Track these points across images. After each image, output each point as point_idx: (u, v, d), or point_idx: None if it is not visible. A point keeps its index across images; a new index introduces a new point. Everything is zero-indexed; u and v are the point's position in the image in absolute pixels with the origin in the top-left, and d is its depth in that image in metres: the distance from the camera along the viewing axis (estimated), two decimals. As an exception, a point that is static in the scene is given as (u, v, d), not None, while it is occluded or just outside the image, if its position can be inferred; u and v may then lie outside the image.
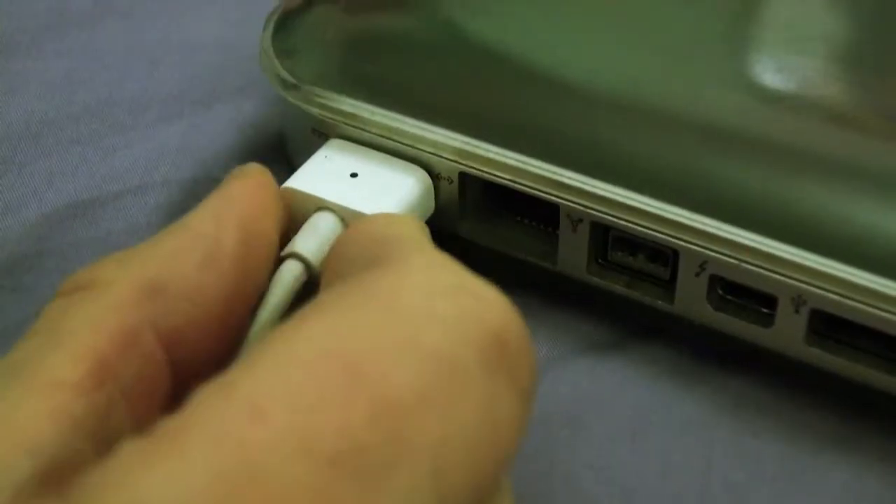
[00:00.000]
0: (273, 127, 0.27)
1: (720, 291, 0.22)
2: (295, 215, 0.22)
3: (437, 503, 0.15)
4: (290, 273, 0.20)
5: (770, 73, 0.23)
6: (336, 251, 0.19)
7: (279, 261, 0.20)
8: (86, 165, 0.26)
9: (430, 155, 0.22)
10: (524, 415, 0.16)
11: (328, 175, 0.22)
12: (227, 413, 0.14)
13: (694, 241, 0.21)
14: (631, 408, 0.22)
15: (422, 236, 0.18)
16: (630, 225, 0.21)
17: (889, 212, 0.21)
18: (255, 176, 0.20)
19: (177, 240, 0.18)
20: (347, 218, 0.22)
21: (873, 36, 0.24)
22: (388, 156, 0.23)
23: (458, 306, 0.16)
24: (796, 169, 0.21)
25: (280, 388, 0.14)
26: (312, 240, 0.21)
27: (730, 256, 0.21)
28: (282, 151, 0.26)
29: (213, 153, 0.26)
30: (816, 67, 0.23)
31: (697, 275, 0.21)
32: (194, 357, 0.18)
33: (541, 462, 0.21)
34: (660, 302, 0.22)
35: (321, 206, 0.22)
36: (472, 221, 0.23)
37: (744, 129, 0.22)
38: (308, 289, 0.20)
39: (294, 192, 0.22)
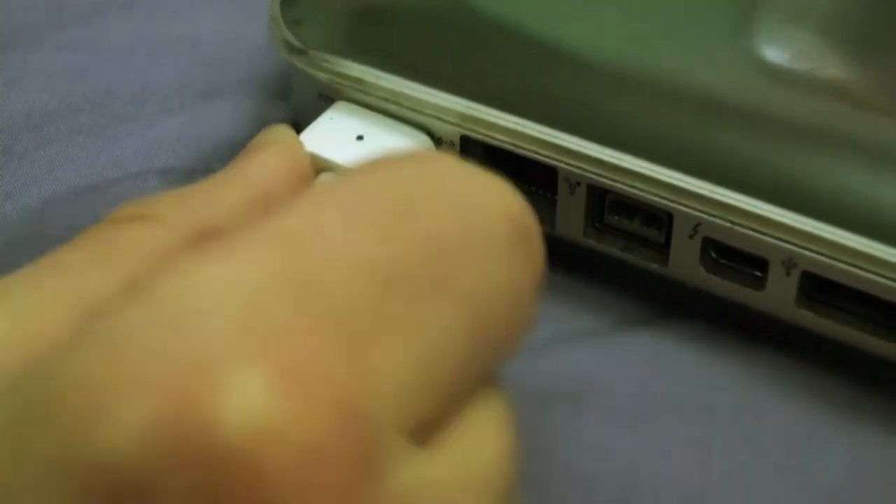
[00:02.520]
0: (273, 120, 0.26)
1: (713, 254, 0.22)
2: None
3: (471, 345, 0.15)
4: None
5: (767, 42, 0.23)
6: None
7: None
8: (86, 155, 0.26)
9: (432, 119, 0.23)
10: (534, 302, 0.17)
11: (333, 137, 0.23)
12: (286, 225, 0.15)
13: (687, 203, 0.21)
14: (631, 389, 0.22)
15: None
16: (625, 188, 0.22)
17: (879, 176, 0.21)
18: (292, 140, 0.21)
19: (235, 189, 0.19)
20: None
21: (868, 6, 0.24)
22: (392, 119, 0.23)
23: (489, 185, 0.17)
24: (789, 134, 0.22)
25: (338, 211, 0.15)
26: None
27: (722, 219, 0.21)
28: (288, 117, 0.26)
29: (212, 144, 0.26)
30: (812, 38, 0.24)
31: (691, 237, 0.22)
32: None
33: (541, 442, 0.21)
34: (654, 265, 0.23)
35: (326, 167, 0.22)
36: (472, 185, 0.24)
37: (739, 96, 0.22)
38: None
39: (299, 153, 0.23)
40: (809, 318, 0.22)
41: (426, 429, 0.15)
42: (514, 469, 0.16)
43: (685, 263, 0.22)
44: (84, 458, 0.13)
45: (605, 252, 0.23)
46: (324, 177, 0.22)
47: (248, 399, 0.13)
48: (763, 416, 0.22)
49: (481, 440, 0.16)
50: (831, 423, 0.21)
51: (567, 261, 0.24)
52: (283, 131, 0.22)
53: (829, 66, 0.23)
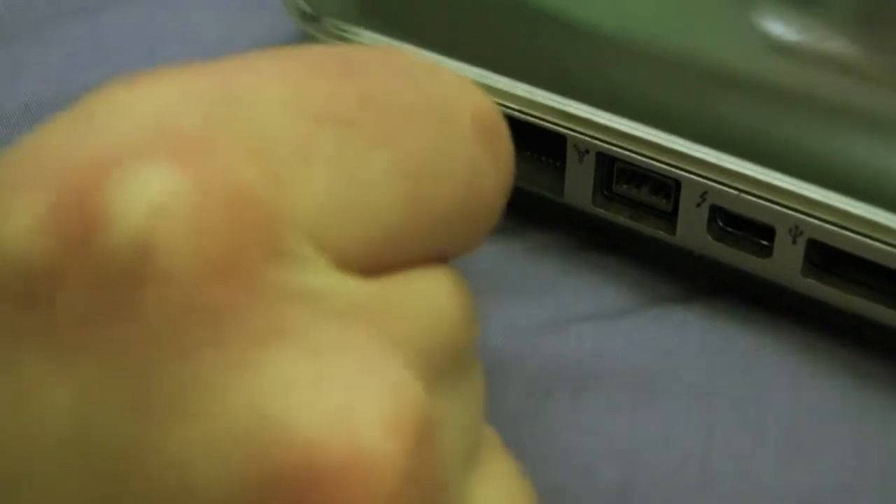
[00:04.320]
0: None
1: (720, 223, 0.22)
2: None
3: (411, 208, 0.15)
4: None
5: (772, 13, 0.23)
6: None
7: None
8: None
9: (443, 87, 0.23)
10: (501, 196, 0.17)
11: (345, 103, 0.23)
12: (221, 65, 0.14)
13: (695, 170, 0.22)
14: (633, 374, 0.22)
15: None
16: (634, 155, 0.22)
17: (884, 145, 0.21)
18: None
19: None
20: None
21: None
22: (403, 87, 0.24)
23: (459, 82, 0.16)
24: (795, 104, 0.22)
25: (279, 58, 0.15)
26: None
27: (729, 186, 0.21)
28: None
29: None
30: (817, 9, 0.24)
31: (698, 205, 0.22)
32: None
33: (541, 426, 0.21)
34: (662, 232, 0.23)
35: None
36: (483, 153, 0.24)
37: (745, 66, 0.22)
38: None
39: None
40: (815, 287, 0.22)
41: (359, 266, 0.14)
42: (464, 336, 0.16)
43: (692, 231, 0.22)
44: None
45: (613, 220, 0.23)
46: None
47: (144, 185, 0.13)
48: (765, 401, 0.22)
49: (427, 291, 0.15)
50: (835, 410, 0.21)
51: (568, 244, 0.24)
52: None
53: (834, 38, 0.23)
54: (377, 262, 0.15)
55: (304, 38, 0.25)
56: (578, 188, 0.23)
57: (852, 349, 0.22)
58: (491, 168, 0.16)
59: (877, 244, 0.21)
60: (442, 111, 0.15)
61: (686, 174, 0.22)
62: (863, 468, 0.21)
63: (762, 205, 0.21)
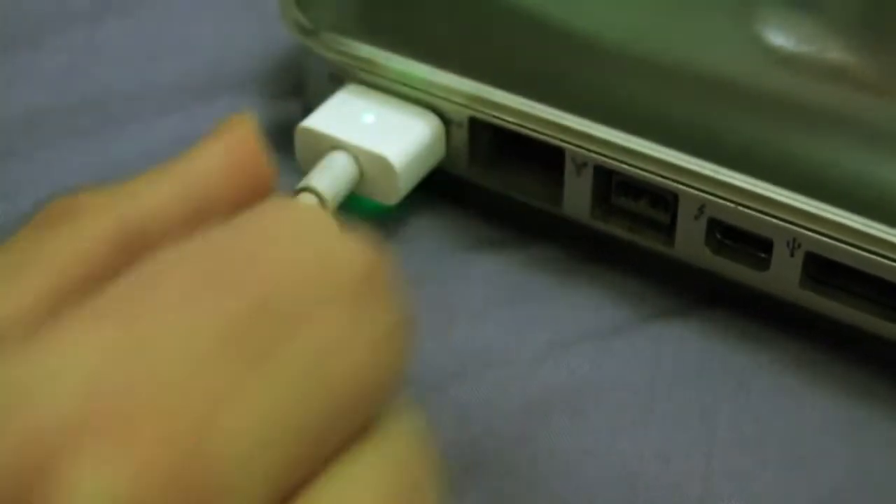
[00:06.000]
0: (271, 120, 0.27)
1: (718, 235, 0.22)
2: (310, 154, 0.23)
3: (320, 402, 0.15)
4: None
5: (771, 24, 0.24)
6: None
7: (294, 194, 0.21)
8: (83, 155, 0.26)
9: (441, 100, 0.23)
10: (394, 346, 0.16)
11: (343, 117, 0.23)
12: (123, 293, 0.15)
13: (693, 184, 0.22)
14: (631, 393, 0.22)
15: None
16: (632, 168, 0.22)
17: (884, 158, 0.21)
18: (246, 129, 0.20)
19: (170, 187, 0.18)
20: (360, 158, 0.23)
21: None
22: (402, 101, 0.24)
23: (331, 237, 0.16)
24: (793, 116, 0.22)
25: (178, 275, 0.15)
26: (326, 176, 0.22)
27: (727, 200, 0.21)
28: (298, 99, 0.26)
29: None
30: (816, 20, 0.24)
31: (696, 218, 0.22)
32: None
33: (540, 447, 0.21)
34: (660, 245, 0.23)
35: (335, 145, 0.23)
36: (481, 166, 0.24)
37: (744, 78, 0.22)
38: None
39: (310, 132, 0.23)
40: (813, 300, 0.22)
41: (288, 491, 0.15)
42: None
43: (690, 244, 0.22)
44: None
45: (611, 233, 0.23)
46: (333, 155, 0.23)
47: (81, 485, 0.13)
48: (764, 418, 0.21)
49: (350, 493, 0.15)
50: (834, 425, 0.21)
51: (566, 257, 0.24)
52: (242, 122, 0.20)
53: (833, 49, 0.23)
54: (301, 471, 0.15)
55: (302, 51, 0.25)
56: (577, 201, 0.23)
57: (851, 362, 0.22)
58: (376, 318, 0.16)
59: (875, 257, 0.21)
60: (320, 282, 0.15)
61: (684, 187, 0.22)
62: (862, 484, 0.21)
63: (760, 218, 0.21)
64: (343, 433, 0.16)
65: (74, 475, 0.13)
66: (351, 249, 0.16)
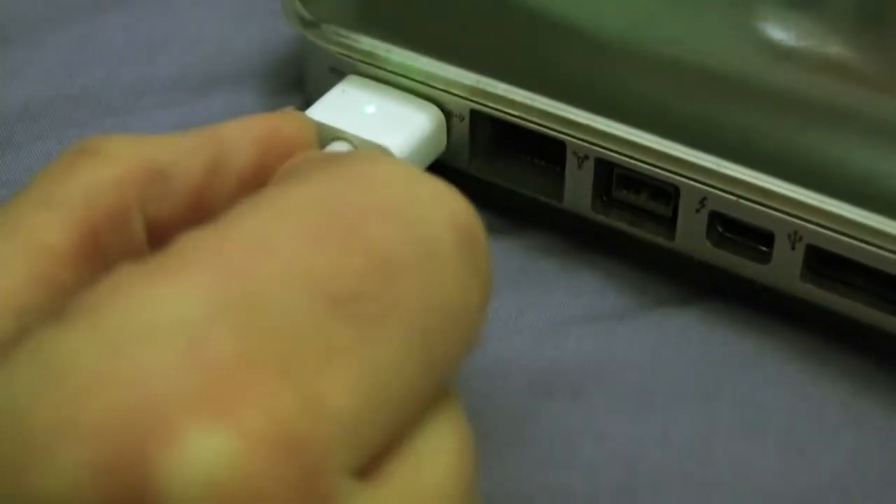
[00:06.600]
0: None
1: (719, 228, 0.22)
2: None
3: (423, 364, 0.15)
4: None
5: (771, 18, 0.24)
6: (294, 159, 0.18)
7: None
8: None
9: (442, 92, 0.23)
10: (484, 309, 0.16)
11: (345, 108, 0.23)
12: (229, 246, 0.14)
13: (694, 176, 0.22)
14: (633, 377, 0.22)
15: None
16: (633, 161, 0.22)
17: (882, 151, 0.21)
18: (295, 115, 0.20)
19: (196, 139, 0.18)
20: (362, 148, 0.23)
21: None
22: (403, 93, 0.24)
23: (432, 190, 0.16)
24: (794, 110, 0.22)
25: (280, 230, 0.14)
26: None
27: (728, 192, 0.21)
28: (299, 91, 0.26)
29: None
30: (815, 14, 0.24)
31: (697, 211, 0.22)
32: None
33: (542, 428, 0.21)
34: (661, 238, 0.23)
35: (337, 136, 0.23)
36: (482, 159, 0.24)
37: (744, 72, 0.22)
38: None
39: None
40: (814, 292, 0.22)
41: (376, 455, 0.15)
42: (470, 479, 0.16)
43: (692, 237, 0.22)
44: (18, 501, 0.13)
45: (612, 226, 0.23)
46: (335, 145, 0.23)
47: (190, 452, 0.13)
48: (765, 406, 0.22)
49: (432, 459, 0.15)
50: (834, 414, 0.21)
51: (568, 245, 0.24)
52: (291, 110, 0.22)
53: (833, 43, 0.23)
54: (390, 437, 0.15)
55: (303, 43, 0.25)
56: (578, 194, 0.23)
57: (851, 354, 0.22)
58: (475, 282, 0.16)
59: (875, 249, 0.21)
60: (430, 242, 0.15)
61: (685, 180, 0.22)
62: (863, 473, 0.21)
63: (761, 210, 0.21)
64: (433, 394, 0.16)
65: (183, 437, 0.13)
66: (453, 206, 0.16)
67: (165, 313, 0.13)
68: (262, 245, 0.14)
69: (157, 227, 0.17)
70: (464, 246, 0.16)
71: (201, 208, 0.18)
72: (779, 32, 0.23)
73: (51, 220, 0.16)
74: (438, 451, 0.15)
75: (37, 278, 0.15)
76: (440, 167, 0.24)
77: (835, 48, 0.23)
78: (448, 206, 0.16)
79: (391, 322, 0.15)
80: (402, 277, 0.15)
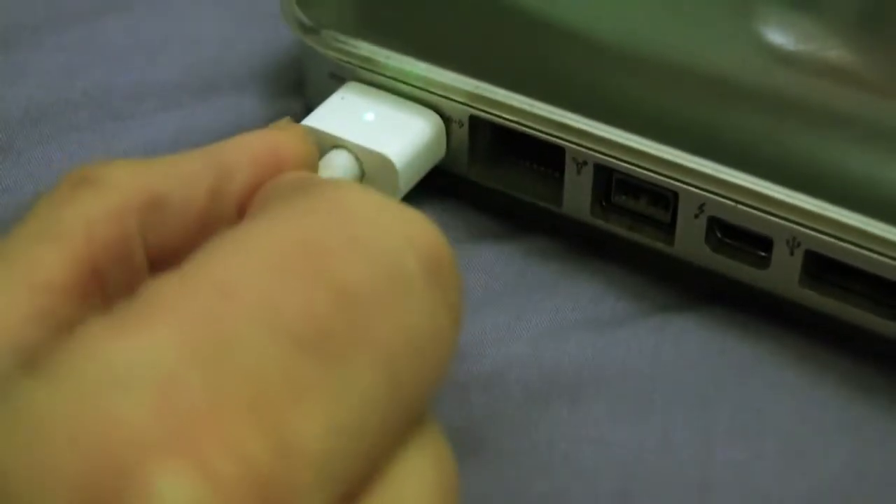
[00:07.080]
0: (272, 118, 0.26)
1: (718, 234, 0.22)
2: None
3: (394, 397, 0.15)
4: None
5: (771, 23, 0.24)
6: (263, 190, 0.18)
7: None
8: (83, 151, 0.26)
9: (442, 98, 0.23)
10: (455, 335, 0.16)
11: (344, 115, 0.23)
12: (196, 291, 0.14)
13: (693, 182, 0.22)
14: (632, 383, 0.22)
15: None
16: (632, 167, 0.22)
17: (881, 156, 0.21)
18: (293, 130, 0.20)
19: (197, 163, 0.18)
20: (361, 156, 0.23)
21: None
22: (402, 99, 0.24)
23: (399, 219, 0.16)
24: (793, 115, 0.22)
25: (245, 271, 0.14)
26: (327, 175, 0.22)
27: (727, 198, 0.21)
28: (299, 97, 0.26)
29: (210, 142, 0.25)
30: (815, 19, 0.24)
31: (696, 216, 0.22)
32: None
33: (540, 435, 0.21)
34: (660, 244, 0.23)
35: (336, 144, 0.23)
36: (481, 165, 0.24)
37: (744, 76, 0.23)
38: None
39: (310, 131, 0.23)
40: (813, 298, 0.22)
41: (351, 492, 0.15)
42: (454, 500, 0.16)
43: (690, 243, 0.22)
44: None
45: (611, 231, 0.23)
46: (334, 154, 0.23)
47: (160, 496, 0.13)
48: (763, 411, 0.22)
49: (410, 490, 0.15)
50: (833, 419, 0.21)
51: (567, 250, 0.24)
52: (288, 122, 0.22)
53: (833, 48, 0.23)
54: (365, 472, 0.15)
55: (303, 49, 0.25)
56: (577, 199, 0.23)
57: (849, 359, 0.22)
58: (444, 310, 0.16)
59: (874, 255, 0.21)
60: (396, 273, 0.15)
61: (684, 186, 0.22)
62: (860, 476, 0.21)
63: (760, 216, 0.21)
64: (406, 425, 0.15)
65: (154, 483, 0.13)
66: (420, 233, 0.16)
67: (134, 362, 0.13)
68: (227, 288, 0.14)
69: (159, 253, 0.17)
70: (431, 274, 0.16)
71: (204, 231, 0.18)
72: (778, 38, 0.23)
73: (51, 254, 0.16)
74: (416, 481, 0.15)
75: (36, 314, 0.15)
76: (440, 173, 0.24)
77: (834, 54, 0.23)
78: (415, 234, 0.16)
79: (359, 357, 0.15)
80: (369, 311, 0.15)
